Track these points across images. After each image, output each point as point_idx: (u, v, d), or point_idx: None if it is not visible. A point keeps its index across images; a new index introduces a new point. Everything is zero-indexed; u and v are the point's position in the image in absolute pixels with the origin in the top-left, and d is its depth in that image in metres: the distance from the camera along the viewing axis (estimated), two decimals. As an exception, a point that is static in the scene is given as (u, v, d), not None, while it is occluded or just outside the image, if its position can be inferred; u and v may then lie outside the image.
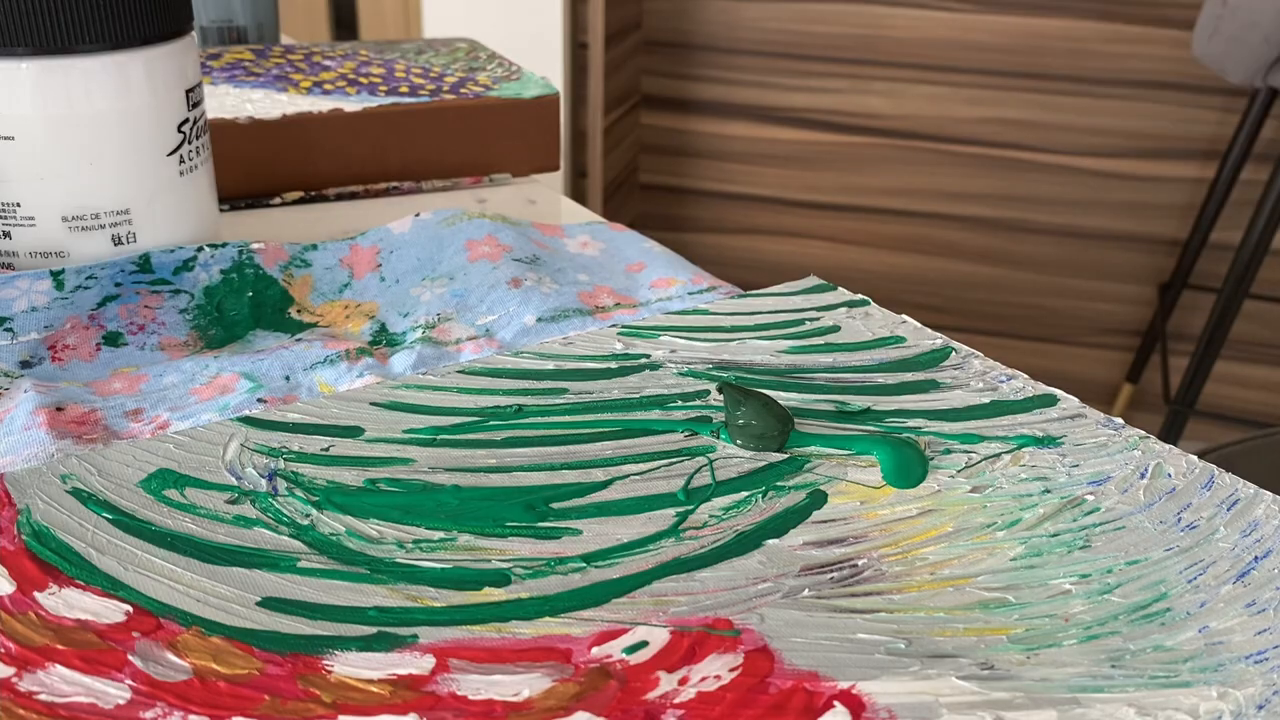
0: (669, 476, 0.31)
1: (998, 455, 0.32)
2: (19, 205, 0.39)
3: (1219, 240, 1.63)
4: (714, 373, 0.36)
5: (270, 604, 0.25)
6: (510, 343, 0.41)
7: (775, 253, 1.86)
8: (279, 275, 0.43)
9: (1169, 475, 0.31)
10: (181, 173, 0.42)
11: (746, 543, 0.28)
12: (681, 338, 0.39)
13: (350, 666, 0.24)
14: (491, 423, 0.33)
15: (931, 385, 0.36)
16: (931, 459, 0.32)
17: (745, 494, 0.30)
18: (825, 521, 0.29)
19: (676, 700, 0.23)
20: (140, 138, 0.40)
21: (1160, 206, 1.69)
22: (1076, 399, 0.35)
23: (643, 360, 0.37)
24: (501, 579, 0.27)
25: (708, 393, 0.35)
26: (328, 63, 0.65)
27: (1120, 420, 0.33)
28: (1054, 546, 0.28)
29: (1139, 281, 1.74)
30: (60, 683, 0.23)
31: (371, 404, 0.34)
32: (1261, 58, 1.29)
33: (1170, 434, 1.43)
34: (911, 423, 0.34)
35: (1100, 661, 0.24)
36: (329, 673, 0.23)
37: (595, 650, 0.24)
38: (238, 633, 0.24)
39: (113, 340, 0.39)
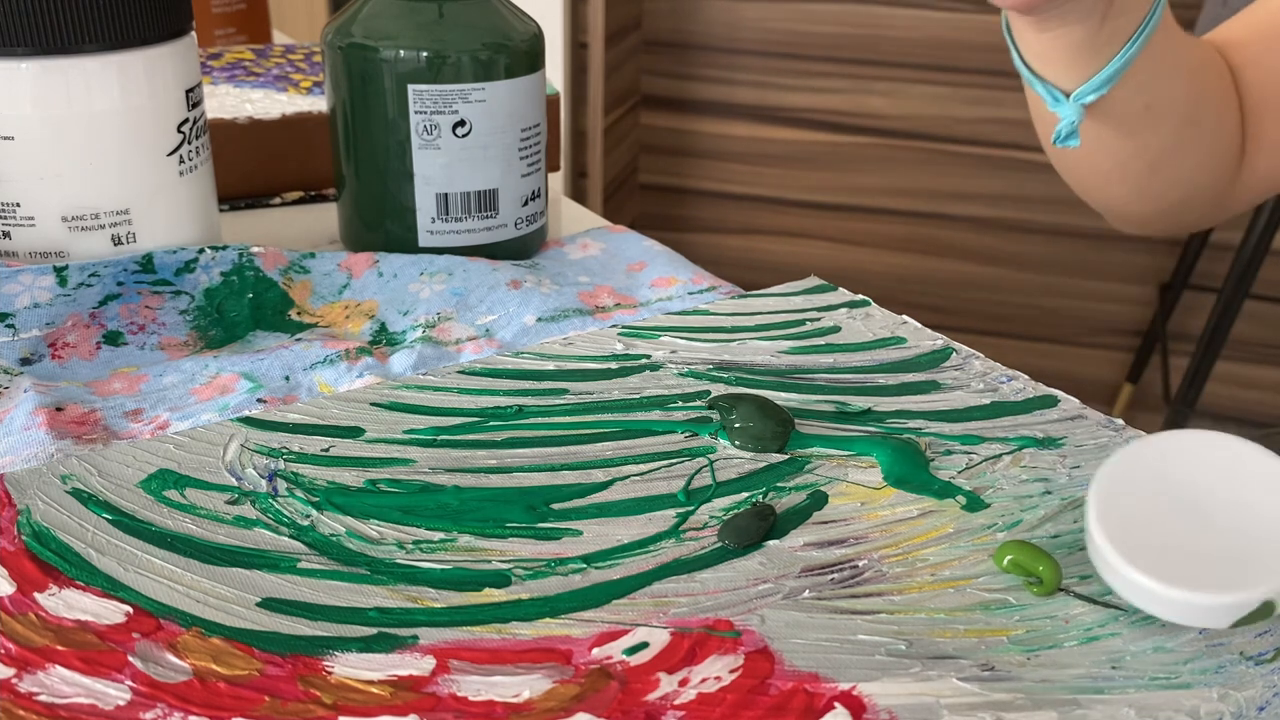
0: (669, 477, 0.31)
1: (998, 456, 0.32)
2: (19, 205, 0.39)
3: (1219, 240, 1.62)
4: (715, 373, 0.36)
5: (270, 605, 0.25)
6: (510, 343, 0.41)
7: (775, 253, 1.86)
8: (279, 278, 0.43)
9: (1170, 476, 0.31)
10: (181, 173, 0.42)
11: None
12: (682, 338, 0.39)
13: (350, 667, 0.24)
14: (492, 423, 0.33)
15: (932, 386, 0.36)
16: (932, 460, 0.32)
17: (746, 494, 0.30)
18: (826, 522, 0.29)
19: (677, 701, 0.23)
20: (140, 138, 0.40)
21: (1160, 207, 1.69)
22: (1077, 400, 0.35)
23: (643, 361, 0.37)
24: (502, 580, 0.27)
25: (708, 393, 0.35)
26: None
27: (1121, 421, 0.33)
28: (1055, 548, 0.28)
29: (1139, 281, 1.74)
30: (60, 683, 0.23)
31: (372, 404, 0.34)
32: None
33: (1170, 434, 1.43)
34: (912, 423, 0.34)
35: (1101, 663, 0.24)
36: (329, 674, 0.23)
37: (595, 651, 0.24)
38: (238, 633, 0.24)
39: (113, 339, 0.39)
